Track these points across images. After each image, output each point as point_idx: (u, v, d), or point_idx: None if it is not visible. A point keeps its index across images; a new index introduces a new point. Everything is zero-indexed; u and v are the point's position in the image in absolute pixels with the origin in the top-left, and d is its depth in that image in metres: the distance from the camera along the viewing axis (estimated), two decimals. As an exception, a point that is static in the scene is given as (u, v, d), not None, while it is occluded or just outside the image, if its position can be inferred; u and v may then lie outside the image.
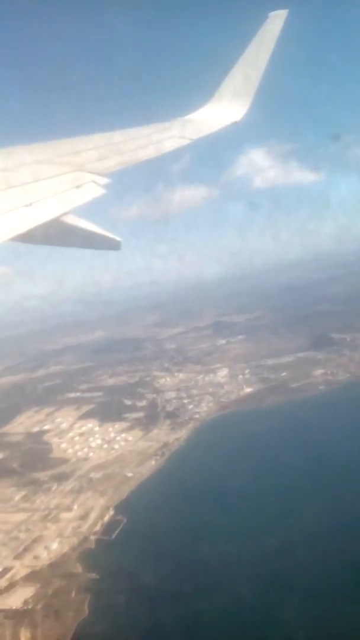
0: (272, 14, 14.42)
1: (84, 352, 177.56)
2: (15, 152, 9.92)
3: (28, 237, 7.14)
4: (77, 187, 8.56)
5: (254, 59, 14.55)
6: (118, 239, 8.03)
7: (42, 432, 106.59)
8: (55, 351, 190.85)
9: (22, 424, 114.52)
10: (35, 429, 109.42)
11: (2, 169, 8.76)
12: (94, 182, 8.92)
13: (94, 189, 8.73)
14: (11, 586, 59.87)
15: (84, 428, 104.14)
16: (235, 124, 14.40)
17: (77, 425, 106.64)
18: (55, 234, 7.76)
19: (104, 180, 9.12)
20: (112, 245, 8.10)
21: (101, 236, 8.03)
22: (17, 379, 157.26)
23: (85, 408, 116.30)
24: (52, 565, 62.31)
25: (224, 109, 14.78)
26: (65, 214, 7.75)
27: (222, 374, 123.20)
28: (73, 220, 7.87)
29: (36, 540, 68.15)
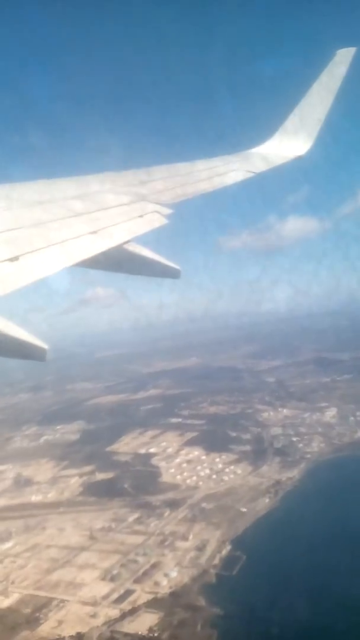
0: (340, 51, 14.23)
1: (181, 377, 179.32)
2: (86, 180, 10.28)
3: (92, 263, 7.32)
4: (141, 216, 8.83)
5: (320, 95, 14.49)
6: (177, 267, 8.13)
7: (149, 455, 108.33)
8: (152, 374, 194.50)
9: (128, 444, 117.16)
10: (142, 451, 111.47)
11: (73, 196, 9.06)
12: (157, 212, 9.16)
13: (157, 218, 8.95)
14: (134, 610, 60.57)
15: (190, 455, 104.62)
16: (299, 158, 14.46)
17: (183, 451, 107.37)
18: (118, 261, 7.92)
19: (167, 211, 9.32)
20: (172, 273, 8.20)
21: (162, 264, 8.12)
22: (119, 399, 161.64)
23: (189, 435, 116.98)
24: (174, 595, 62.41)
25: (288, 143, 14.84)
26: (128, 242, 7.93)
27: (331, 413, 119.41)
28: (135, 248, 8.02)
29: (155, 566, 68.75)
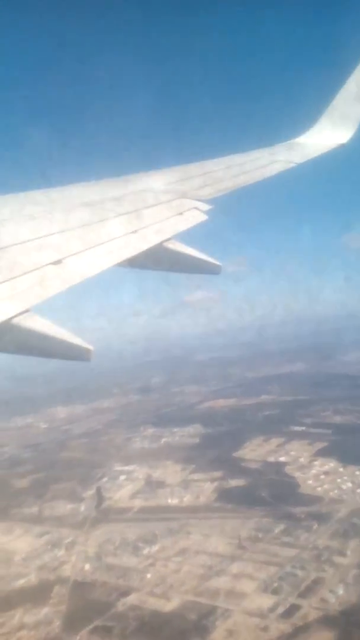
0: None
1: (291, 384, 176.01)
2: (124, 181, 10.42)
3: (133, 263, 7.36)
4: (180, 213, 8.94)
5: None
6: (218, 263, 8.06)
7: (280, 464, 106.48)
8: (259, 379, 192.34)
9: (254, 451, 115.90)
10: (271, 459, 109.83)
11: (112, 197, 9.18)
12: (196, 208, 9.27)
13: (196, 215, 9.09)
14: (307, 627, 59.00)
15: (326, 467, 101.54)
16: (341, 146, 14.41)
17: (317, 462, 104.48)
18: (158, 259, 7.90)
19: (207, 207, 9.44)
20: (212, 269, 8.15)
21: (202, 261, 8.08)
22: (231, 404, 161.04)
23: (319, 445, 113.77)
24: (346, 613, 60.18)
25: (330, 132, 14.80)
26: (168, 239, 7.98)
27: None
28: (175, 245, 8.01)
29: (317, 582, 66.78)
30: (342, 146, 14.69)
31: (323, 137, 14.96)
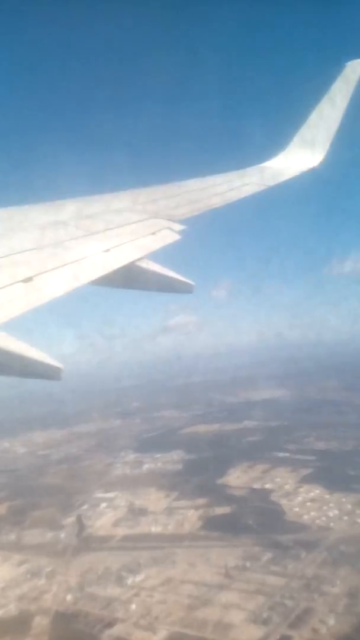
0: (350, 63, 14.37)
1: (274, 409, 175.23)
2: (98, 200, 10.50)
3: (106, 281, 7.35)
4: (153, 233, 8.98)
5: (331, 108, 14.63)
6: (191, 282, 8.10)
7: (265, 491, 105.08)
8: (241, 404, 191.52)
9: (239, 478, 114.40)
10: (256, 486, 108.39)
11: (86, 216, 9.29)
12: (169, 228, 9.32)
13: (169, 235, 9.14)
14: (299, 659, 57.52)
15: (311, 494, 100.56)
16: (312, 170, 14.68)
17: (302, 489, 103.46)
18: (131, 278, 7.93)
19: (179, 227, 9.48)
20: (185, 288, 8.19)
21: (174, 280, 8.11)
22: (213, 429, 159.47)
23: (303, 471, 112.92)
24: (338, 645, 58.86)
25: (300, 156, 15.05)
26: (141, 259, 8.01)
27: None
28: (148, 264, 8.06)
29: (307, 612, 65.27)
30: (313, 170, 14.87)
31: (294, 160, 15.19)
